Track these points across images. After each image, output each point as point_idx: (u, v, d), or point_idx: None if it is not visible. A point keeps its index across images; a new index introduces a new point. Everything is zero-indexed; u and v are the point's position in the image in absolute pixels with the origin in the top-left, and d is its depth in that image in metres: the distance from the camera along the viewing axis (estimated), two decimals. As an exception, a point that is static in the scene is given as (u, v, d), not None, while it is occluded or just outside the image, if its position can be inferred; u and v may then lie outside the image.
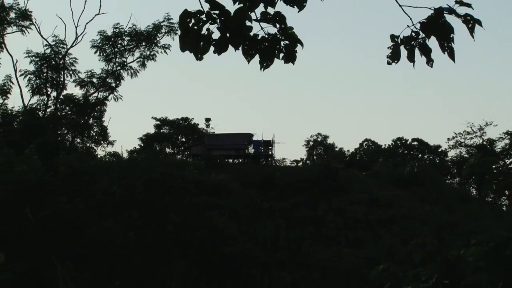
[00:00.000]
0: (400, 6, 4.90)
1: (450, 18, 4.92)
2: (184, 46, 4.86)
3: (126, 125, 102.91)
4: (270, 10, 4.86)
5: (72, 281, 26.94)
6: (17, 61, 43.49)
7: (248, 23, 4.87)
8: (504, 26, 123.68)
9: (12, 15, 42.40)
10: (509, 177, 7.80)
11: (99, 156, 43.34)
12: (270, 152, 54.31)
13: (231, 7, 4.81)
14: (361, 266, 29.51)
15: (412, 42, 5.05)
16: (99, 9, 52.18)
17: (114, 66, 43.94)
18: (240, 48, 4.91)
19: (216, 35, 4.86)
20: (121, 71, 44.04)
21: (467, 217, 38.59)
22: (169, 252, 30.46)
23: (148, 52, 44.13)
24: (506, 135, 58.45)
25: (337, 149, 65.38)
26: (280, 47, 4.99)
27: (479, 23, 4.94)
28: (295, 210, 39.54)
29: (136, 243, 29.21)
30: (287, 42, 4.98)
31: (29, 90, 42.71)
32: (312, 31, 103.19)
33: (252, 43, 4.92)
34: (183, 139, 57.17)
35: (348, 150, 65.98)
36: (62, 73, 42.95)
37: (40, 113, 42.30)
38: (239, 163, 52.79)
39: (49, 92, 43.04)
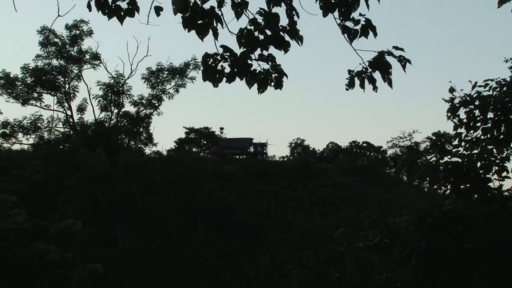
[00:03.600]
0: (355, 50, 4.88)
1: (389, 58, 4.90)
2: (205, 77, 4.84)
3: (166, 131, 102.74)
4: (265, 52, 4.84)
5: (128, 239, 26.92)
6: (90, 88, 43.45)
7: (249, 62, 4.86)
8: (426, 64, 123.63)
9: (87, 56, 42.36)
10: (429, 168, 7.78)
11: (146, 153, 43.31)
12: (264, 151, 54.25)
13: (238, 50, 4.80)
14: (327, 230, 29.50)
15: (363, 75, 5.03)
16: (147, 52, 52.73)
17: (157, 92, 43.89)
18: (244, 78, 4.89)
19: (227, 70, 4.84)
20: (162, 95, 43.97)
21: (400, 196, 38.62)
22: (195, 220, 30.45)
23: (180, 82, 44.11)
24: (427, 139, 58.56)
25: (310, 148, 65.22)
26: (271, 78, 4.96)
27: (409, 61, 4.92)
28: (282, 191, 39.55)
29: (172, 213, 29.21)
30: (276, 74, 4.96)
31: (98, 108, 42.71)
32: (294, 66, 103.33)
33: (252, 75, 4.90)
34: (205, 142, 56.93)
35: (318, 149, 65.89)
36: (121, 96, 42.92)
37: (106, 124, 42.24)
38: (243, 158, 52.67)
39: (112, 110, 43.02)
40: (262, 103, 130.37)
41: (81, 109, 42.23)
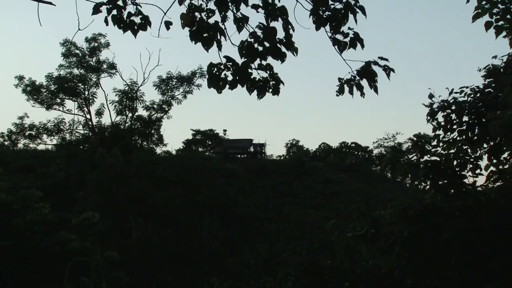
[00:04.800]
0: (344, 60, 4.88)
1: (375, 67, 4.91)
2: (210, 85, 4.85)
3: (175, 133, 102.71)
4: (263, 62, 4.84)
5: (140, 230, 26.87)
6: (107, 95, 43.38)
7: (250, 70, 4.86)
8: (410, 71, 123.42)
9: (105, 66, 42.23)
10: (410, 166, 7.78)
11: (157, 153, 43.17)
12: (263, 151, 54.25)
13: (239, 60, 4.80)
14: (320, 221, 29.48)
15: (351, 82, 5.02)
16: (158, 62, 52.94)
17: (167, 97, 43.62)
18: (245, 86, 4.89)
19: (230, 78, 4.84)
20: (171, 100, 43.68)
21: (385, 191, 38.63)
22: (200, 212, 30.43)
23: (188, 89, 43.76)
24: (409, 140, 58.34)
25: (304, 148, 65.30)
26: (269, 85, 4.96)
27: (393, 70, 4.93)
28: (279, 186, 39.57)
29: (180, 206, 29.18)
30: (274, 82, 4.96)
31: (114, 112, 42.60)
32: (290, 74, 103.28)
33: (252, 83, 4.90)
34: (209, 142, 56.84)
35: (312, 149, 65.95)
36: (135, 102, 42.79)
37: (121, 126, 42.11)
38: (244, 157, 52.69)
39: (127, 114, 42.85)
40: (261, 107, 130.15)
41: (99, 113, 42.14)
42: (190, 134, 56.90)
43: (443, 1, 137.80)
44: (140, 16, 4.92)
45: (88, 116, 41.82)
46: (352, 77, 5.01)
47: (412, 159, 7.91)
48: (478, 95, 8.08)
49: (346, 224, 8.37)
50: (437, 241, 6.74)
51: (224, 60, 4.79)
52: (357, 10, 4.73)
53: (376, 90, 4.97)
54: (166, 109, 43.75)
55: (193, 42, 4.72)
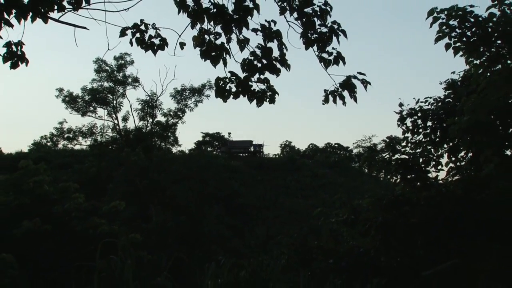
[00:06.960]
0: (329, 74, 4.89)
1: (355, 81, 4.92)
2: (217, 95, 4.85)
3: (188, 135, 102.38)
4: (262, 76, 4.86)
5: (159, 217, 26.82)
6: (132, 103, 43.41)
7: (250, 83, 4.87)
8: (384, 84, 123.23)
9: (130, 80, 42.12)
10: (384, 163, 7.79)
11: (173, 152, 43.06)
12: (261, 150, 54.20)
13: (241, 75, 4.81)
14: (308, 209, 29.44)
15: (335, 93, 5.03)
16: (174, 76, 53.36)
17: (181, 106, 43.48)
18: (246, 96, 4.91)
19: (233, 89, 4.85)
20: (185, 108, 43.52)
21: (362, 184, 38.60)
22: (209, 201, 30.39)
23: (199, 99, 43.64)
24: (382, 141, 57.82)
25: (296, 148, 65.26)
26: (266, 95, 4.97)
27: (369, 83, 4.94)
28: (275, 180, 39.53)
29: (192, 197, 29.13)
30: (270, 93, 4.96)
31: (138, 118, 42.55)
32: (284, 86, 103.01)
33: (252, 94, 4.90)
34: (216, 143, 56.72)
35: (302, 149, 65.90)
36: (155, 109, 42.73)
37: (143, 130, 42.06)
38: (246, 156, 52.61)
39: (148, 119, 42.79)
40: (260, 114, 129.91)
41: (125, 119, 42.11)
42: (200, 136, 56.80)
43: (411, 25, 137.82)
44: (159, 38, 4.95)
45: (116, 122, 41.81)
46: (336, 89, 5.02)
47: (385, 157, 7.92)
48: (439, 104, 8.11)
49: (330, 211, 8.37)
50: (406, 226, 6.75)
51: (229, 75, 4.80)
52: (340, 33, 4.75)
53: (355, 100, 4.98)
54: (181, 115, 43.62)
55: (203, 59, 4.73)
